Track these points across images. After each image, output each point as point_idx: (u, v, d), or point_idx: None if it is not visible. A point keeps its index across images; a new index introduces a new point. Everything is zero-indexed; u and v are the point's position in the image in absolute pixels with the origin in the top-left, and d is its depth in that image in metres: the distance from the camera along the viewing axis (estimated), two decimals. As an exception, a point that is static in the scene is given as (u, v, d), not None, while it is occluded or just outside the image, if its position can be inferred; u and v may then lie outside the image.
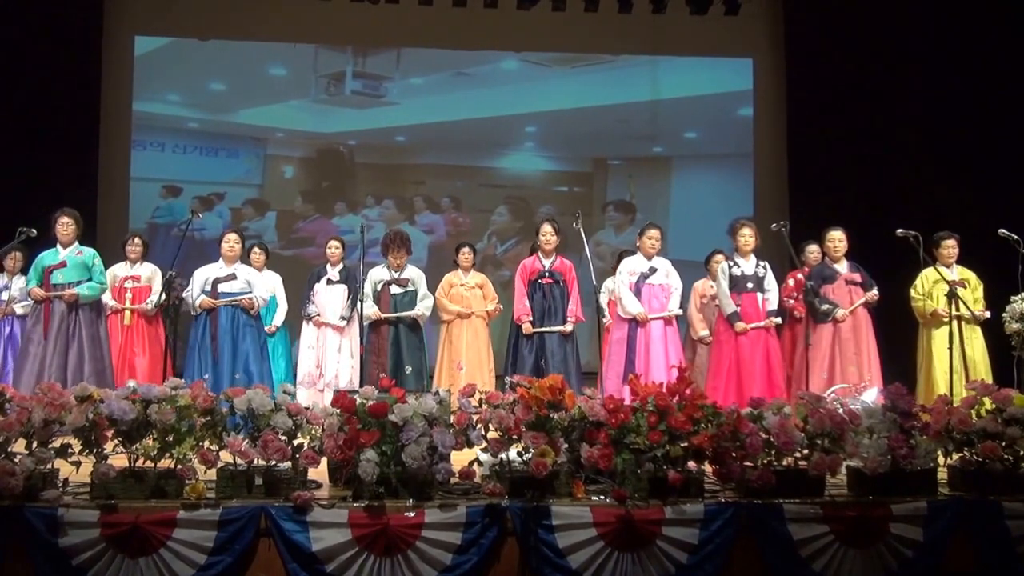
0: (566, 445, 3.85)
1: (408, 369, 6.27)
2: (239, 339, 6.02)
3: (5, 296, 6.96)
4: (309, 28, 9.57)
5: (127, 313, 6.94)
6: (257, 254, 7.22)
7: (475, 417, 3.88)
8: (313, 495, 3.66)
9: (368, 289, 6.44)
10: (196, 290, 6.14)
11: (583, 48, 9.84)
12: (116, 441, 3.76)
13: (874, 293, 6.41)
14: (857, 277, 6.48)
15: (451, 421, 3.85)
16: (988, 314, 6.40)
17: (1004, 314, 6.22)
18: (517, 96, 9.88)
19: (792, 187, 9.51)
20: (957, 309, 6.09)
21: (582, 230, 6.36)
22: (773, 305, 6.34)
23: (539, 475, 3.68)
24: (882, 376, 6.18)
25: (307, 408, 3.92)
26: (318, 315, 7.05)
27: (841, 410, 3.98)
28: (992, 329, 6.40)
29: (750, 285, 6.32)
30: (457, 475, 3.80)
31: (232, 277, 6.18)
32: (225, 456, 3.79)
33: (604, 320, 6.72)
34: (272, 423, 3.75)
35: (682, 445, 3.75)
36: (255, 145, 9.71)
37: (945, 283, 6.25)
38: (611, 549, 3.64)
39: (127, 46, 9.40)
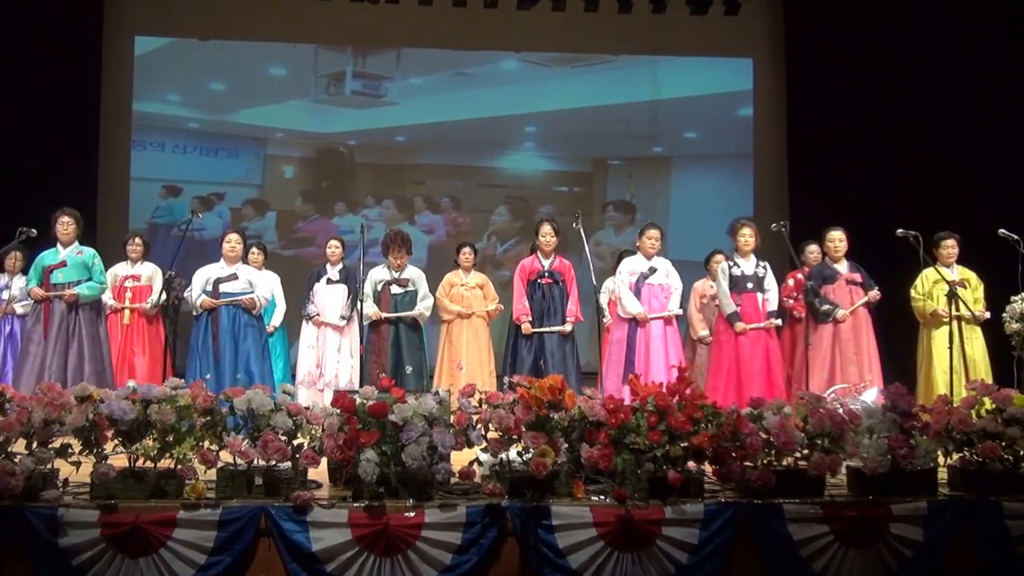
0: (566, 445, 3.85)
1: (408, 369, 6.27)
2: (240, 339, 6.02)
3: (6, 296, 6.96)
4: (309, 28, 9.57)
5: (127, 312, 6.95)
6: (255, 254, 7.22)
7: (475, 417, 3.88)
8: (313, 495, 3.66)
9: (368, 289, 6.44)
10: (197, 290, 6.14)
11: (583, 48, 9.84)
12: (116, 441, 3.76)
13: (875, 293, 6.41)
14: (857, 277, 6.48)
15: (451, 421, 3.85)
16: (988, 314, 6.40)
17: (1004, 314, 6.22)
18: (517, 96, 9.88)
19: (792, 187, 9.51)
20: (957, 309, 6.09)
21: (582, 230, 6.36)
22: (773, 305, 6.34)
23: (539, 475, 3.68)
24: (882, 376, 6.18)
25: (307, 408, 3.92)
26: (317, 315, 7.06)
27: (841, 410, 3.98)
28: (992, 329, 6.40)
29: (750, 285, 6.32)
30: (457, 475, 3.80)
31: (233, 277, 6.17)
32: (225, 456, 3.79)
33: (604, 320, 6.72)
34: (272, 423, 3.75)
35: (682, 445, 3.75)
36: (255, 145, 9.71)
37: (945, 283, 6.25)
38: (611, 549, 3.64)
39: (127, 46, 9.40)
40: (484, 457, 3.89)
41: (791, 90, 9.59)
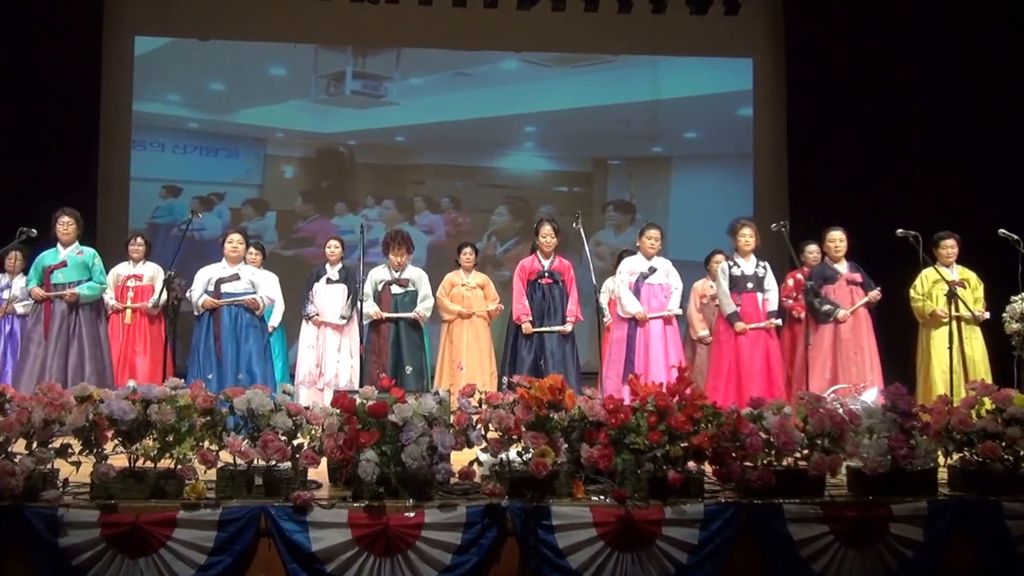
0: (566, 445, 3.85)
1: (408, 369, 6.26)
2: (242, 340, 6.02)
3: (6, 295, 6.97)
4: (309, 28, 9.58)
5: (128, 312, 6.94)
6: (253, 254, 7.20)
7: (475, 417, 3.88)
8: (313, 495, 3.66)
9: (369, 289, 6.43)
10: (198, 290, 6.13)
11: (583, 48, 9.84)
12: (116, 441, 3.76)
13: (876, 293, 6.41)
14: (858, 277, 6.48)
15: (451, 421, 3.85)
16: (988, 314, 6.40)
17: (1004, 314, 6.22)
18: (517, 96, 9.88)
19: (792, 187, 9.52)
20: (957, 309, 6.09)
21: (582, 230, 6.36)
22: (773, 305, 6.34)
23: (539, 475, 3.68)
24: (882, 376, 6.18)
25: (307, 408, 3.92)
26: (317, 315, 7.06)
27: (841, 410, 3.98)
28: (992, 329, 6.40)
29: (750, 285, 6.32)
30: (457, 475, 3.80)
31: (235, 277, 6.17)
32: (225, 456, 3.79)
33: (604, 320, 6.72)
34: (272, 423, 3.75)
35: (682, 445, 3.75)
36: (255, 145, 9.71)
37: (945, 283, 6.25)
38: (611, 549, 3.64)
39: (127, 46, 9.40)
40: (484, 457, 3.89)
41: (791, 90, 9.60)
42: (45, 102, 8.66)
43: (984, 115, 8.70)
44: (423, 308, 6.46)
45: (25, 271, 6.69)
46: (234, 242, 6.25)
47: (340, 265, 7.22)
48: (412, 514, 3.62)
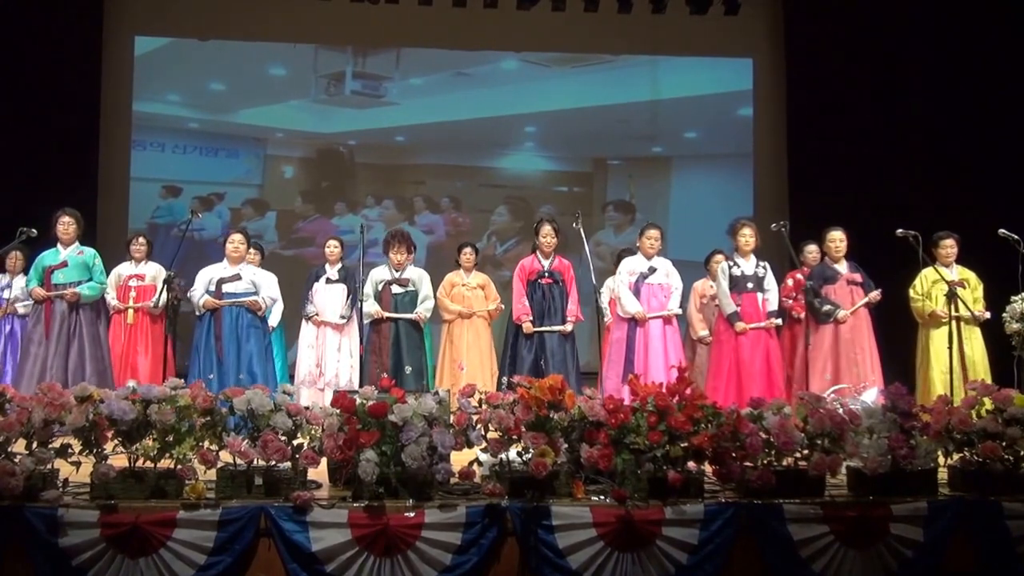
0: (566, 445, 3.85)
1: (408, 369, 6.26)
2: (243, 340, 6.02)
3: (6, 295, 6.97)
4: (309, 28, 9.57)
5: (131, 312, 6.93)
6: (252, 254, 7.19)
7: (475, 417, 3.88)
8: (313, 495, 3.66)
9: (369, 289, 6.43)
10: (200, 290, 6.13)
11: (583, 48, 9.84)
12: (116, 441, 3.76)
13: (876, 294, 6.41)
14: (858, 277, 6.48)
15: (451, 421, 3.85)
16: (988, 314, 6.40)
17: (1004, 314, 6.22)
18: (517, 96, 9.88)
19: (792, 187, 9.51)
20: (956, 310, 6.09)
21: (582, 230, 6.36)
22: (773, 305, 6.34)
23: (539, 475, 3.68)
24: (882, 376, 6.18)
25: (307, 408, 3.92)
26: (316, 315, 7.06)
27: (841, 410, 3.97)
28: (992, 329, 6.40)
29: (750, 285, 6.32)
30: (457, 475, 3.80)
31: (237, 277, 6.17)
32: (225, 456, 3.79)
33: (605, 320, 6.72)
34: (272, 423, 3.75)
35: (682, 445, 3.75)
36: (255, 145, 9.71)
37: (944, 283, 6.25)
38: (611, 549, 3.64)
39: (127, 46, 9.40)
40: (484, 457, 3.89)
41: (791, 90, 9.60)
42: (45, 102, 8.66)
43: (984, 115, 8.70)
44: (423, 309, 6.45)
45: (25, 271, 6.69)
46: (235, 242, 6.25)
47: (340, 265, 7.22)
48: (412, 514, 3.62)
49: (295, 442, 3.81)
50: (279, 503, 3.65)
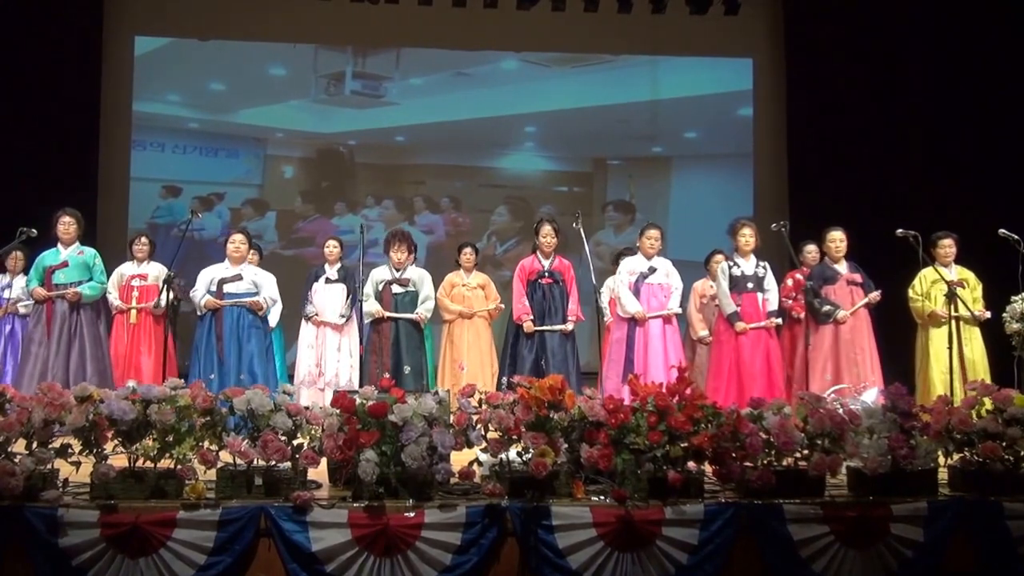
0: (566, 445, 3.85)
1: (407, 369, 6.26)
2: (244, 340, 6.01)
3: (7, 295, 6.97)
4: (309, 28, 9.58)
5: (133, 312, 6.92)
6: (251, 255, 7.20)
7: (475, 417, 3.88)
8: (313, 495, 3.66)
9: (369, 289, 6.43)
10: (201, 290, 6.13)
11: (583, 48, 9.84)
12: (116, 441, 3.76)
13: (876, 294, 6.41)
14: (858, 278, 6.48)
15: (451, 421, 3.85)
16: (988, 314, 6.40)
17: (1004, 314, 6.22)
18: (517, 96, 9.88)
19: (792, 187, 9.52)
20: (956, 310, 6.09)
21: (582, 230, 6.36)
22: (773, 305, 6.34)
23: (539, 475, 3.68)
24: (882, 376, 6.18)
25: (307, 408, 3.92)
26: (316, 315, 7.05)
27: (841, 410, 3.97)
28: (992, 329, 6.40)
29: (750, 285, 6.32)
30: (457, 475, 3.80)
31: (238, 278, 6.17)
32: (225, 456, 3.79)
33: (604, 319, 6.72)
34: (272, 423, 3.75)
35: (682, 445, 3.75)
36: (255, 145, 9.71)
37: (944, 283, 6.25)
38: (611, 549, 3.64)
39: (127, 46, 9.40)
40: (484, 457, 3.88)
41: (791, 90, 9.60)
42: (45, 102, 8.66)
43: (984, 115, 8.70)
44: (424, 309, 6.45)
45: (26, 271, 6.69)
46: (236, 242, 6.25)
47: (339, 265, 7.22)
48: (412, 514, 3.62)
49: (295, 442, 3.81)
50: (279, 503, 3.65)
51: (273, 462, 3.74)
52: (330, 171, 9.82)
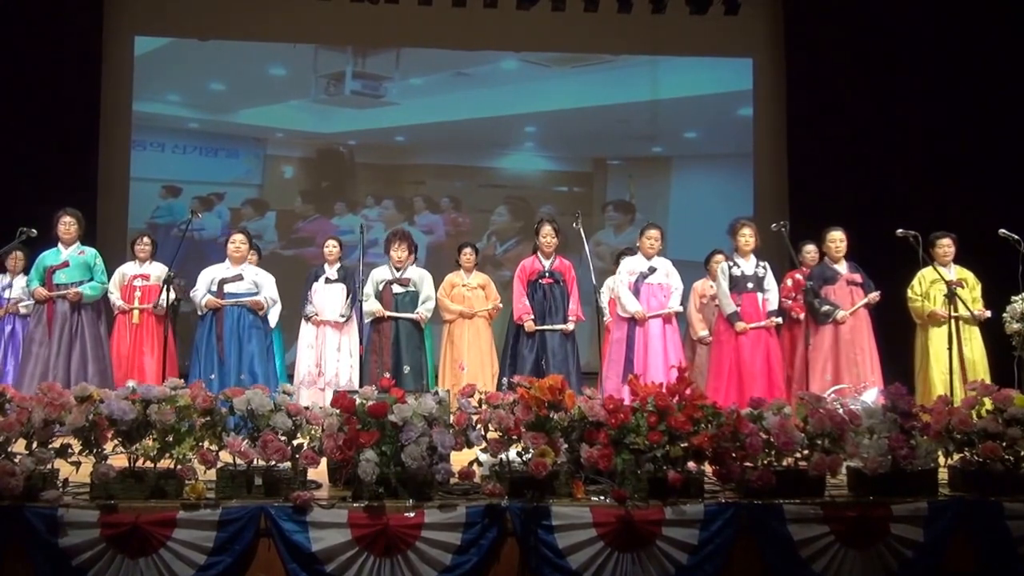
0: (566, 445, 3.85)
1: (406, 369, 6.26)
2: (245, 340, 6.01)
3: (7, 295, 6.97)
4: (309, 28, 9.58)
5: (136, 312, 6.92)
6: (250, 255, 7.19)
7: (475, 417, 3.88)
8: (313, 495, 3.66)
9: (370, 288, 6.43)
10: (202, 290, 6.13)
11: (583, 48, 9.84)
12: (116, 441, 3.76)
13: (875, 295, 6.41)
14: (857, 278, 6.48)
15: (451, 421, 3.85)
16: (988, 313, 6.40)
17: (1004, 314, 6.21)
18: (517, 96, 9.88)
19: (792, 187, 9.51)
20: (956, 310, 6.09)
21: (582, 230, 6.36)
22: (773, 305, 6.34)
23: (539, 475, 3.68)
24: (882, 376, 6.18)
25: (307, 408, 3.92)
26: (316, 315, 7.05)
27: (841, 410, 3.97)
28: (992, 329, 6.40)
29: (750, 285, 6.32)
30: (457, 475, 3.80)
31: (239, 278, 6.17)
32: (225, 456, 3.79)
33: (604, 319, 6.71)
34: (272, 423, 3.75)
35: (682, 445, 3.75)
36: (255, 145, 9.71)
37: (943, 283, 6.25)
38: (611, 549, 3.64)
39: (127, 46, 9.40)
40: (484, 457, 3.88)
41: (791, 90, 9.59)
42: (45, 102, 8.66)
43: (984, 115, 8.70)
44: (424, 309, 6.45)
45: (26, 271, 6.69)
46: (237, 242, 6.26)
47: (338, 265, 7.21)
48: (412, 514, 3.62)
49: (295, 442, 3.81)
50: (279, 503, 3.65)
51: (273, 462, 3.74)
52: (330, 171, 9.82)
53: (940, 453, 4.04)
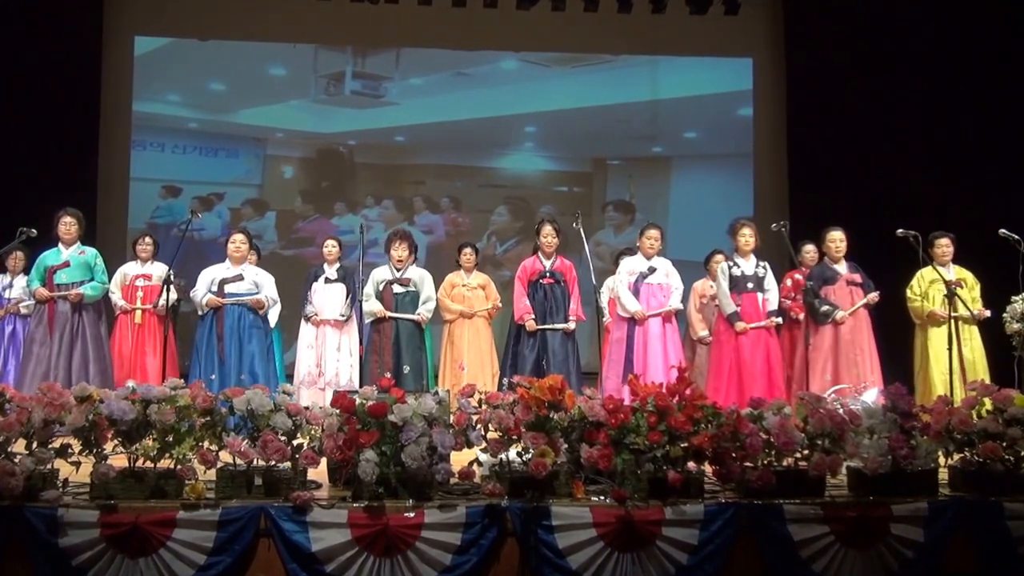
0: (566, 445, 3.85)
1: (406, 369, 6.26)
2: (245, 340, 6.01)
3: (8, 295, 6.96)
4: (309, 28, 9.58)
5: (138, 312, 6.91)
6: (250, 255, 7.20)
7: (475, 417, 3.88)
8: (313, 495, 3.65)
9: (370, 289, 6.43)
10: (202, 290, 6.13)
11: (583, 48, 9.84)
12: (116, 441, 3.76)
13: (875, 295, 6.41)
14: (857, 278, 6.48)
15: (451, 421, 3.85)
16: (988, 313, 6.40)
17: (1005, 314, 6.21)
18: (517, 96, 9.88)
19: (792, 187, 9.51)
20: (955, 309, 6.09)
21: (582, 230, 6.36)
22: (773, 305, 6.34)
23: (539, 475, 3.68)
24: (882, 376, 6.18)
25: (307, 408, 3.92)
26: (316, 315, 7.05)
27: (841, 410, 3.97)
28: (992, 329, 6.40)
29: (750, 285, 6.32)
30: (457, 475, 3.80)
31: (239, 278, 6.17)
32: (225, 456, 3.79)
33: (604, 319, 6.71)
34: (272, 423, 3.75)
35: (682, 445, 3.75)
36: (255, 145, 9.71)
37: (942, 283, 6.25)
38: (611, 550, 3.64)
39: (127, 46, 9.40)
40: (484, 457, 3.88)
41: (791, 90, 9.59)
42: (45, 102, 8.66)
43: (984, 115, 8.70)
44: (425, 310, 6.46)
45: (26, 271, 6.69)
46: (237, 242, 6.26)
47: (338, 265, 7.21)
48: (412, 514, 3.62)
49: (295, 442, 3.81)
50: (279, 503, 3.65)
51: (273, 462, 3.74)
52: (330, 171, 9.82)
53: (940, 453, 4.04)
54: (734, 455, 3.83)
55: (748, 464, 3.85)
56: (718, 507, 3.74)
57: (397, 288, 6.46)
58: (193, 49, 9.56)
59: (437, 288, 6.80)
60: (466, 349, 6.91)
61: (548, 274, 6.61)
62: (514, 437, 3.81)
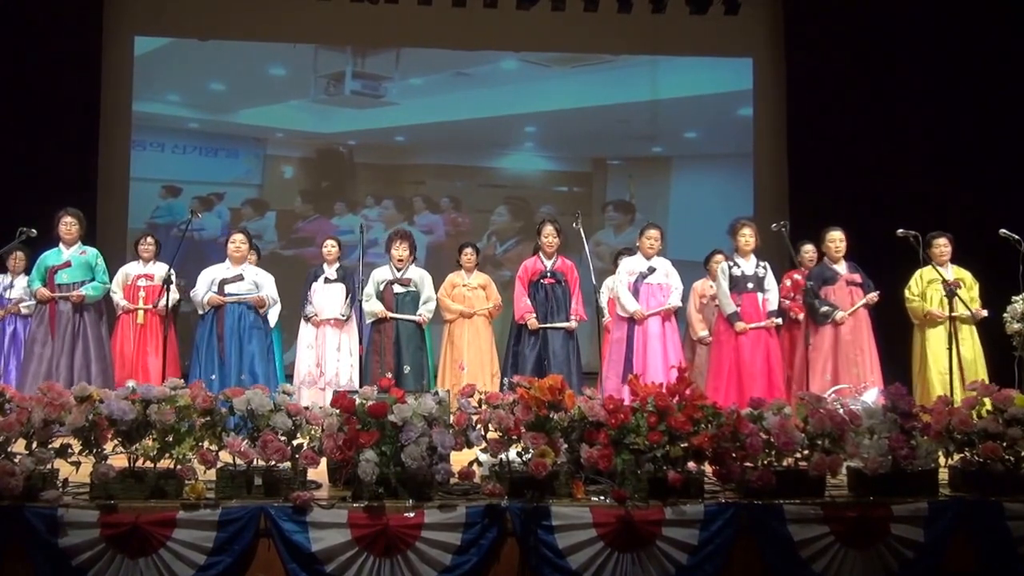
0: (566, 445, 3.85)
1: (406, 369, 6.26)
2: (245, 340, 6.02)
3: (9, 295, 6.96)
4: (309, 28, 9.58)
5: (140, 312, 6.91)
6: (250, 255, 7.20)
7: (475, 417, 3.88)
8: (313, 495, 3.65)
9: (371, 289, 6.44)
10: (203, 290, 6.12)
11: (583, 48, 9.84)
12: (116, 441, 3.76)
13: (874, 295, 6.41)
14: (857, 278, 6.48)
15: (451, 421, 3.85)
16: (985, 312, 6.40)
17: (1005, 314, 6.21)
18: (517, 96, 9.88)
19: (792, 187, 9.51)
20: (954, 309, 6.08)
21: (582, 230, 6.36)
22: (773, 305, 6.34)
23: (539, 475, 3.68)
24: (882, 377, 6.18)
25: (307, 408, 3.92)
26: (315, 315, 7.05)
27: (841, 410, 3.97)
28: (991, 329, 6.40)
29: (750, 285, 6.32)
30: (457, 475, 3.80)
31: (239, 278, 6.17)
32: (225, 456, 3.79)
33: (604, 319, 6.71)
34: (271, 423, 3.75)
35: (682, 445, 3.75)
36: (255, 145, 9.71)
37: (941, 283, 6.25)
38: (611, 550, 3.64)
39: (127, 46, 9.40)
40: (484, 457, 3.88)
41: (791, 90, 9.59)
42: (45, 102, 8.66)
43: (984, 115, 8.69)
44: (425, 310, 6.46)
45: (27, 271, 6.69)
46: (237, 242, 6.26)
47: (338, 265, 7.21)
48: (412, 514, 3.62)
49: (295, 442, 3.81)
50: (279, 503, 3.65)
51: (273, 462, 3.74)
52: (330, 171, 9.82)
53: (940, 453, 4.04)
54: (734, 455, 3.83)
55: (748, 464, 3.85)
56: (718, 507, 3.74)
57: (397, 288, 6.46)
58: (193, 49, 9.56)
59: (437, 288, 6.81)
60: (466, 349, 6.90)
61: (549, 274, 6.61)
62: (514, 437, 3.81)
